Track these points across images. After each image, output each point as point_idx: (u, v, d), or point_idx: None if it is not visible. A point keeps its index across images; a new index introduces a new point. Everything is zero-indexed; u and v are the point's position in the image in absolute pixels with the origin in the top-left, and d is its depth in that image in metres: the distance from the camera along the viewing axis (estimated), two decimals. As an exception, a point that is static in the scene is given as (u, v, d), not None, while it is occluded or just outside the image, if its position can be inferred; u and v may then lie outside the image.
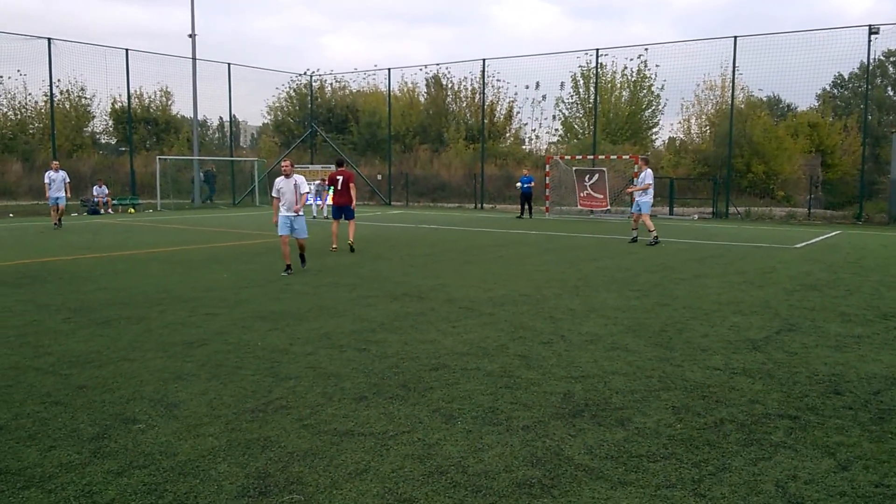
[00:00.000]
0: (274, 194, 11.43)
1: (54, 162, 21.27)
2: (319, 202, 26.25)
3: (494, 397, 5.21)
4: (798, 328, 7.68)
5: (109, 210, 28.92)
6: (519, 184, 26.79)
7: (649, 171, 16.76)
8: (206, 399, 5.12)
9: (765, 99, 39.36)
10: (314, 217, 25.45)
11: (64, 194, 20.31)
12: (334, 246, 14.38)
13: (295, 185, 11.28)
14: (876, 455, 4.23)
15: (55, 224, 20.17)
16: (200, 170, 33.57)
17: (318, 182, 26.60)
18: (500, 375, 5.77)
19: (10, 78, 38.19)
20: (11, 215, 25.79)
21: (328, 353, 6.42)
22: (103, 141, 44.76)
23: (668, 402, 5.15)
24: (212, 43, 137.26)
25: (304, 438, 4.39)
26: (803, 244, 17.28)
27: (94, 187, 29.20)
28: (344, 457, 4.12)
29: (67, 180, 20.36)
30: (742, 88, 34.48)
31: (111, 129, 44.70)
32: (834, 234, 20.70)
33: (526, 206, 26.23)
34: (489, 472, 3.93)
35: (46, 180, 20.24)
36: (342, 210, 14.50)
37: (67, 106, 41.08)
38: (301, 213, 11.42)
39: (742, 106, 34.38)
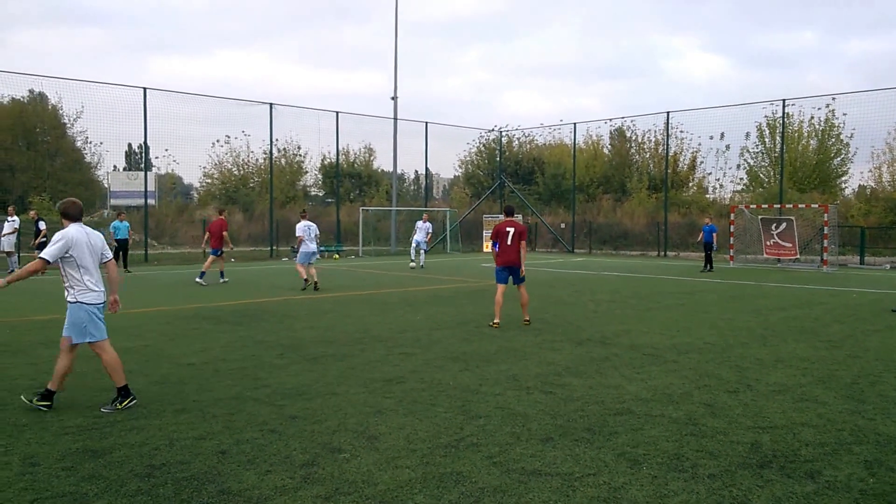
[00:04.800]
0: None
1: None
2: (425, 248, 24.78)
3: (679, 444, 5.16)
4: None
5: (317, 256, 31.16)
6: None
7: None
8: (403, 433, 5.46)
9: None
10: (412, 266, 24.50)
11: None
12: (496, 321, 10.89)
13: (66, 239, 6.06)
14: None
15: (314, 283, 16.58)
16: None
17: (424, 223, 24.91)
18: (685, 423, 5.71)
19: (235, 138, 43.15)
20: (233, 260, 28.34)
21: (516, 395, 6.63)
22: (313, 193, 48.72)
23: (861, 456, 4.91)
24: (406, 102, 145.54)
25: (493, 475, 4.56)
26: None
27: None
28: (532, 495, 4.23)
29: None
30: None
31: (320, 182, 48.99)
32: None
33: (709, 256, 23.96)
34: None
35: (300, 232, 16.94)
36: (510, 271, 11.15)
37: (283, 162, 45.43)
38: (72, 298, 6.14)
39: None
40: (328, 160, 45.67)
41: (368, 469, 4.69)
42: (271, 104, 30.97)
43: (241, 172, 45.02)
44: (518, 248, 11.05)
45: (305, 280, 16.50)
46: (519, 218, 32.63)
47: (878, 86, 50.29)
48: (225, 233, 18.57)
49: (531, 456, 4.93)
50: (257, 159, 44.35)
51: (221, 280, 18.40)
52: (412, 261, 24.98)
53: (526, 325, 10.92)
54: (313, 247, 17.07)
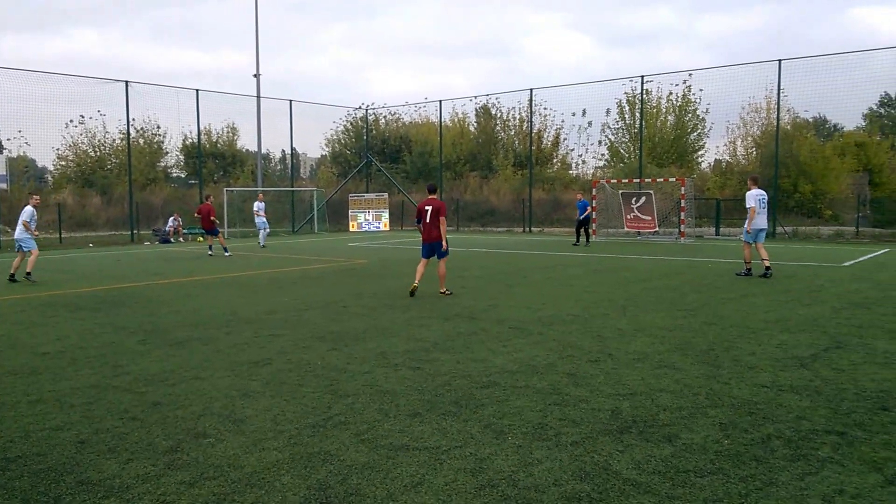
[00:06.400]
0: None
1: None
2: (267, 228, 25.10)
3: (544, 414, 5.32)
4: (845, 345, 7.64)
5: (180, 239, 30.07)
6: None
7: (750, 192, 14.04)
8: (270, 415, 5.37)
9: (811, 120, 39.57)
10: (262, 245, 24.87)
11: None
12: (415, 284, 11.70)
13: None
14: (922, 469, 4.23)
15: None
16: None
17: (261, 202, 25.20)
18: (550, 393, 5.89)
19: (90, 118, 40.58)
20: (91, 245, 27.05)
21: (384, 372, 6.65)
22: (174, 174, 46.74)
23: (716, 419, 5.19)
24: (272, 81, 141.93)
25: (361, 452, 4.57)
26: (851, 262, 17.09)
27: (171, 218, 30.62)
28: (399, 470, 4.27)
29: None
30: (788, 110, 34.62)
31: (182, 163, 47.00)
32: (882, 252, 20.43)
33: (582, 231, 24.54)
34: (539, 486, 4.02)
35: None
36: (432, 247, 11.79)
37: (142, 142, 43.16)
38: None
39: (788, 127, 34.51)
40: (190, 140, 43.91)
41: (234, 452, 4.60)
42: (127, 82, 29.64)
43: (98, 154, 42.49)
44: (436, 224, 11.60)
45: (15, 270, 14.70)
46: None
47: (731, 62, 53.77)
48: (212, 218, 21.26)
49: (399, 431, 4.97)
50: (114, 140, 42.04)
51: (214, 253, 21.56)
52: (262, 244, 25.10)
53: (442, 296, 11.62)
54: (16, 232, 14.80)
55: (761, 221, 14.13)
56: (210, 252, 21.61)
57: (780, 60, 27.15)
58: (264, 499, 3.91)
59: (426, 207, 11.72)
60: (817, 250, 21.26)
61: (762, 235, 14.23)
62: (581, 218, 24.44)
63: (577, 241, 24.50)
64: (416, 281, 11.75)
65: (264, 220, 25.03)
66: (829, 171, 33.83)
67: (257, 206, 25.26)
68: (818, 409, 5.41)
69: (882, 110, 50.23)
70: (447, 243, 11.80)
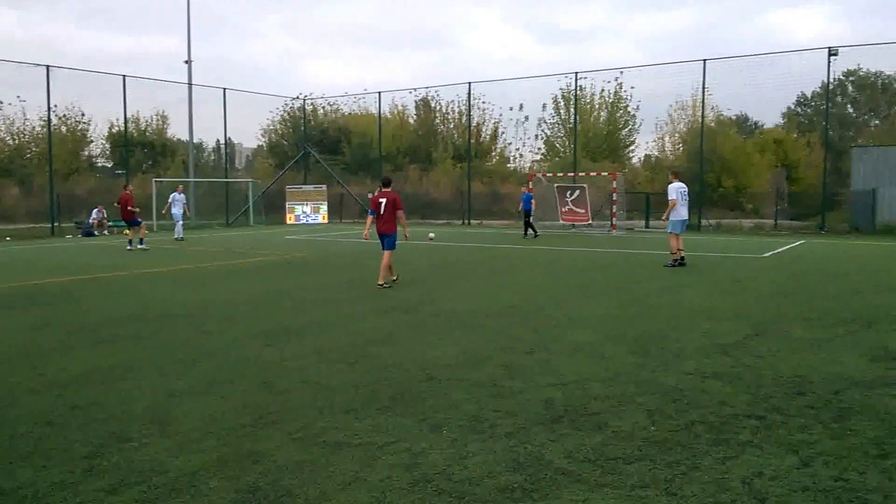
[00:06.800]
0: None
1: None
2: (180, 221, 24.44)
3: (479, 406, 5.35)
4: (765, 333, 7.97)
5: (105, 232, 29.03)
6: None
7: (672, 185, 14.77)
8: (198, 415, 5.21)
9: (733, 117, 41.57)
10: (176, 238, 24.38)
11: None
12: (394, 278, 12.24)
13: None
14: (836, 451, 4.42)
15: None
16: None
17: (179, 194, 24.67)
18: (486, 385, 5.92)
19: (9, 104, 38.76)
20: (9, 238, 25.80)
21: (320, 368, 6.57)
22: (100, 164, 45.06)
23: (643, 406, 5.32)
24: (205, 68, 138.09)
25: (294, 451, 4.48)
26: (771, 253, 17.85)
27: (95, 210, 29.42)
28: (333, 468, 4.21)
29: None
30: (712, 108, 36.01)
31: (108, 152, 44.99)
32: (799, 243, 21.41)
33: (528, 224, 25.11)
34: (473, 479, 4.03)
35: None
36: (383, 238, 12.01)
37: (64, 130, 41.32)
38: None
39: (712, 124, 35.88)
40: (116, 128, 42.37)
41: (159, 456, 4.45)
42: (48, 66, 28.38)
43: (17, 142, 40.67)
44: (391, 217, 11.82)
45: None
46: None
47: (661, 61, 55.33)
48: (130, 207, 20.63)
49: (334, 428, 4.91)
50: (34, 127, 40.23)
51: (135, 247, 20.44)
52: (178, 237, 24.55)
53: (378, 289, 11.54)
54: None
55: (683, 213, 14.81)
56: (129, 248, 20.54)
57: (704, 60, 28.18)
58: (190, 504, 3.80)
59: (381, 200, 11.88)
60: (739, 242, 22.11)
61: (683, 226, 14.88)
62: (526, 210, 24.99)
63: (535, 233, 24.90)
64: (395, 275, 12.25)
65: (179, 212, 24.45)
66: (750, 167, 35.54)
67: (173, 196, 24.63)
68: (739, 394, 5.60)
69: (799, 109, 52.43)
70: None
